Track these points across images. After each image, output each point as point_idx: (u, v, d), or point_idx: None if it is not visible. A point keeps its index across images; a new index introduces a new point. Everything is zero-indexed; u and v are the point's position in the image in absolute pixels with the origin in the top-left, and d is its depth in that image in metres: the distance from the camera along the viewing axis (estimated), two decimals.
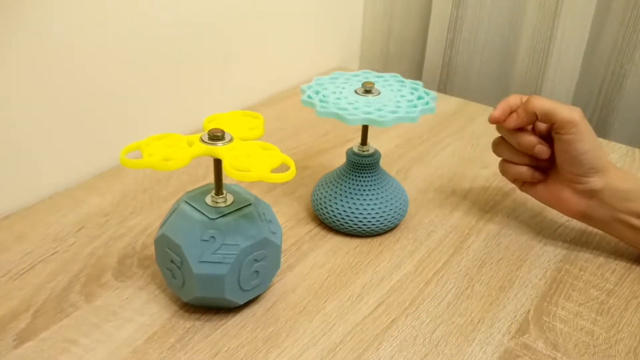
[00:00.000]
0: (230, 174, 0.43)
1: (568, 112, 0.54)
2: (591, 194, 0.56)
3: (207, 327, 0.49)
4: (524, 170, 0.59)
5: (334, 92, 0.58)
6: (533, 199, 0.69)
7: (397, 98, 0.57)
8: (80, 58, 0.65)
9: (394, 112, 0.54)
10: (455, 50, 1.04)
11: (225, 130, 0.47)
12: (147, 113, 0.75)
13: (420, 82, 0.59)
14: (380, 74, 0.62)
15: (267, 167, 0.44)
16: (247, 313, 0.51)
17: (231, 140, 0.47)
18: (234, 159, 0.45)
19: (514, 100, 0.57)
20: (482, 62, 1.02)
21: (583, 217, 0.59)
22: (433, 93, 0.58)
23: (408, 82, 0.60)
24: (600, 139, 0.82)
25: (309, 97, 0.57)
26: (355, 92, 0.58)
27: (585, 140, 0.55)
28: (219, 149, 0.46)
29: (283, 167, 0.45)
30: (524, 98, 0.57)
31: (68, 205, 0.64)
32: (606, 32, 0.90)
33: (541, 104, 0.55)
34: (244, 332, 0.49)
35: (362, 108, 0.55)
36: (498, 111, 0.57)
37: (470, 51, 1.02)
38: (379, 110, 0.55)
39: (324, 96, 0.58)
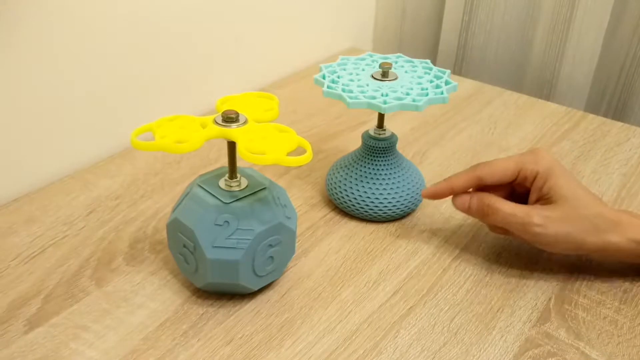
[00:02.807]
0: (245, 157, 0.42)
1: (522, 231, 0.50)
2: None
3: (221, 314, 0.48)
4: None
5: (351, 74, 0.57)
6: None
7: (412, 85, 0.55)
8: (89, 39, 0.63)
9: (399, 98, 0.53)
10: (471, 32, 1.01)
11: (239, 112, 0.46)
12: (159, 95, 0.73)
13: (447, 71, 0.57)
14: (411, 59, 0.60)
15: (283, 150, 0.43)
16: (261, 299, 0.50)
17: (245, 122, 0.45)
18: (248, 142, 0.43)
19: (457, 183, 0.53)
20: (499, 45, 1.00)
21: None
22: (454, 83, 0.55)
23: (435, 69, 0.58)
24: (620, 123, 0.80)
25: (323, 76, 0.56)
26: (372, 76, 0.56)
27: (555, 245, 0.51)
28: (233, 132, 0.44)
29: (299, 150, 0.44)
30: (471, 177, 0.52)
31: (78, 188, 0.63)
32: (628, 13, 0.88)
33: (493, 222, 0.52)
34: (258, 319, 0.48)
35: (369, 92, 0.53)
36: (431, 192, 0.54)
37: (487, 33, 1.00)
38: (386, 95, 0.53)
39: (338, 77, 0.56)
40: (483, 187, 0.53)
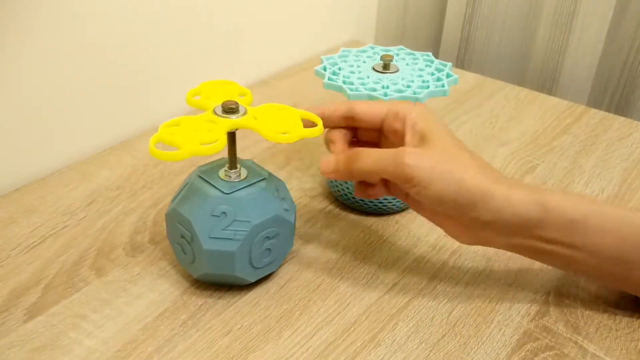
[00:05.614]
0: (272, 139, 0.43)
1: (394, 170, 0.43)
2: (479, 225, 0.45)
3: (220, 305, 0.48)
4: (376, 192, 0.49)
5: (352, 66, 0.57)
6: (554, 177, 0.67)
7: (413, 77, 0.55)
8: (90, 29, 0.63)
9: (400, 90, 0.53)
10: (473, 25, 1.01)
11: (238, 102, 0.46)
12: (158, 86, 0.73)
13: (448, 64, 0.57)
14: (412, 52, 0.60)
15: (298, 125, 0.44)
16: (260, 290, 0.50)
17: (245, 110, 0.45)
18: (269, 125, 0.44)
19: (328, 109, 0.48)
20: (502, 38, 1.00)
21: (479, 244, 0.48)
22: (455, 76, 0.55)
23: (437, 62, 0.58)
24: (622, 118, 0.80)
25: (324, 68, 0.57)
26: (373, 68, 0.56)
27: (432, 184, 0.43)
28: (247, 120, 0.45)
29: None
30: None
31: (78, 179, 0.63)
32: (631, 7, 0.87)
33: (362, 167, 0.45)
34: (256, 310, 0.48)
35: (370, 84, 0.53)
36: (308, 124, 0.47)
37: (489, 26, 1.00)
38: (386, 87, 0.53)
39: (339, 68, 0.56)
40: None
